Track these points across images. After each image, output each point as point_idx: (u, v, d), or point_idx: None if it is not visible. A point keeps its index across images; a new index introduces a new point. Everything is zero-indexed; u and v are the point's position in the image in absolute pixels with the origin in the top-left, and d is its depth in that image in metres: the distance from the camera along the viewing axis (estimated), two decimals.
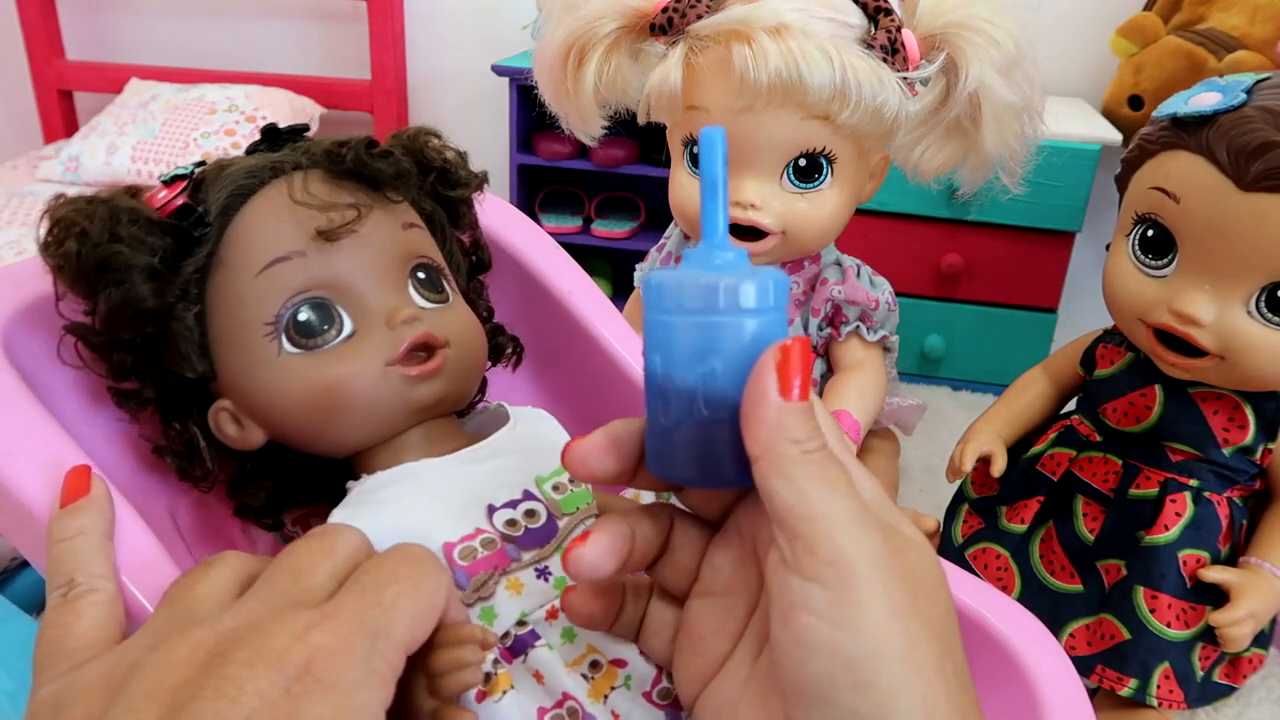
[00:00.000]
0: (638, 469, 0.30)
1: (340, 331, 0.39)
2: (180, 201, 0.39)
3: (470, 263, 0.49)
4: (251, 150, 0.43)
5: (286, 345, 0.39)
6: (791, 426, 0.25)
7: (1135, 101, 1.27)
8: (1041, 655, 0.42)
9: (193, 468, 0.42)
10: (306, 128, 0.44)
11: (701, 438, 0.27)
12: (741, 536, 0.30)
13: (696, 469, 0.28)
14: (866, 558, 0.24)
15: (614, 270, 1.59)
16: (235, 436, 0.41)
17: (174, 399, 0.41)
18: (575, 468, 0.30)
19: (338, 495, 0.40)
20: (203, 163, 0.41)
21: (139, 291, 0.37)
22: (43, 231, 0.38)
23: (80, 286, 0.38)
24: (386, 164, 0.41)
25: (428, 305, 0.41)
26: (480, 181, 0.47)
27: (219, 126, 1.50)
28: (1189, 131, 0.57)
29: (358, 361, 0.39)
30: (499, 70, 1.42)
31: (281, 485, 0.44)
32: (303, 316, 0.38)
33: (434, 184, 0.45)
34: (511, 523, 0.38)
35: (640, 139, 1.46)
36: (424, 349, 0.39)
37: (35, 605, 0.68)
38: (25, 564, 0.72)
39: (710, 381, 0.27)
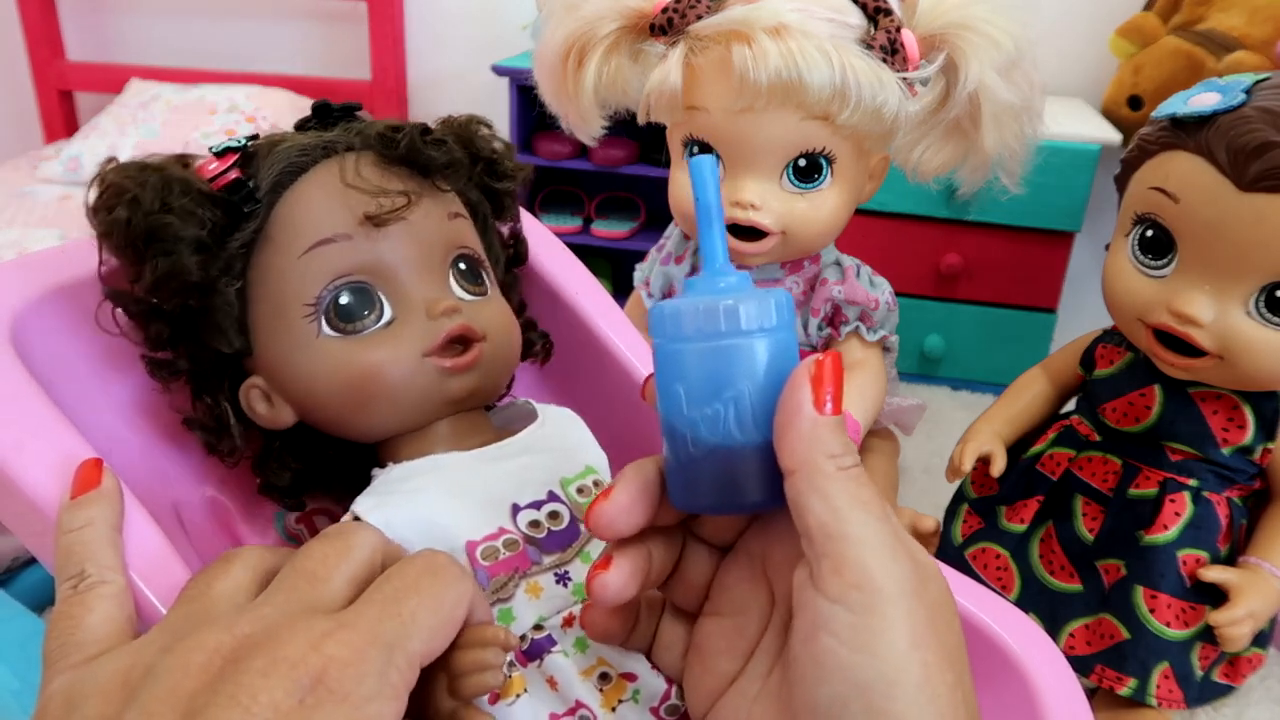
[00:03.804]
0: (659, 511, 0.30)
1: (380, 318, 0.39)
2: (232, 175, 0.38)
3: (508, 255, 0.48)
4: (302, 127, 0.43)
5: (325, 328, 0.38)
6: (827, 440, 0.25)
7: (1135, 102, 1.27)
8: (1041, 660, 0.42)
9: (220, 442, 0.42)
10: (359, 106, 0.44)
11: (731, 463, 0.27)
12: (751, 558, 0.30)
13: (724, 496, 0.28)
14: (894, 585, 0.24)
15: (614, 270, 1.59)
16: (265, 415, 0.41)
17: (207, 372, 0.41)
18: (603, 532, 0.29)
19: (363, 481, 0.40)
20: (255, 136, 0.41)
21: (185, 263, 0.37)
22: (93, 195, 0.38)
23: (127, 254, 0.38)
24: (440, 153, 0.41)
25: (467, 297, 0.41)
26: (527, 174, 0.47)
27: (219, 127, 1.50)
28: (1188, 132, 0.57)
29: (395, 349, 0.38)
30: (499, 70, 1.42)
31: (307, 466, 0.44)
32: (344, 300, 0.38)
33: (481, 174, 0.45)
34: (535, 524, 0.38)
35: (640, 139, 1.46)
36: (461, 341, 0.39)
37: (40, 603, 0.68)
38: (29, 562, 0.72)
39: (740, 403, 0.27)
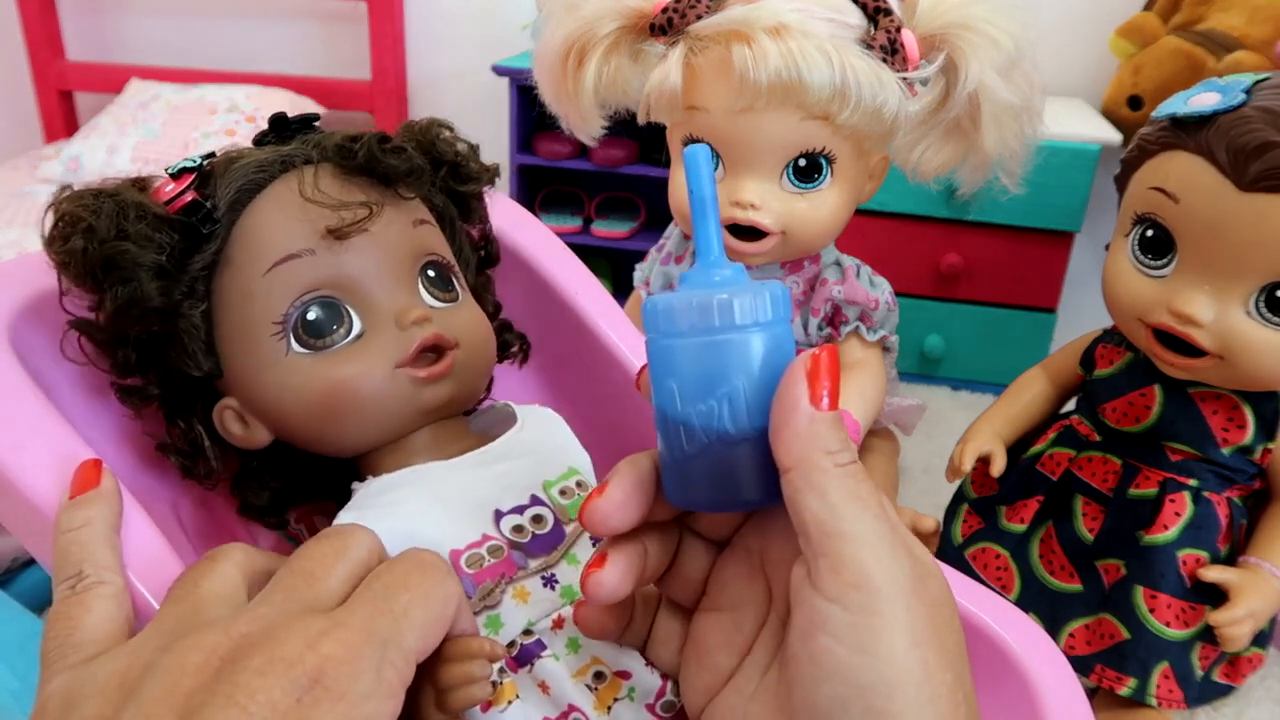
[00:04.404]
0: (654, 507, 0.29)
1: (349, 331, 0.38)
2: (189, 197, 0.38)
3: (479, 257, 0.48)
4: (259, 141, 0.42)
5: (294, 345, 0.38)
6: (824, 437, 0.25)
7: (1134, 102, 1.27)
8: (1041, 660, 0.42)
9: (196, 466, 0.41)
10: (316, 117, 0.43)
11: (726, 460, 0.27)
12: (749, 554, 0.30)
13: (721, 493, 0.27)
14: (893, 584, 0.24)
15: (614, 270, 1.59)
16: (240, 435, 0.40)
17: (179, 396, 0.40)
18: (597, 528, 0.29)
19: (343, 495, 0.40)
20: (211, 154, 0.41)
21: (146, 290, 0.36)
22: (48, 225, 0.37)
23: (86, 283, 0.37)
24: (400, 161, 0.40)
25: (437, 304, 0.41)
26: (492, 175, 0.46)
27: (219, 127, 1.50)
28: (1188, 132, 0.57)
29: (366, 362, 0.38)
30: (499, 70, 1.42)
31: (286, 485, 0.44)
32: (311, 316, 0.38)
33: (445, 178, 0.44)
34: (518, 529, 0.37)
35: (640, 139, 1.46)
36: (433, 350, 0.39)
37: (40, 603, 0.68)
38: (29, 562, 0.72)
39: (735, 400, 0.26)
